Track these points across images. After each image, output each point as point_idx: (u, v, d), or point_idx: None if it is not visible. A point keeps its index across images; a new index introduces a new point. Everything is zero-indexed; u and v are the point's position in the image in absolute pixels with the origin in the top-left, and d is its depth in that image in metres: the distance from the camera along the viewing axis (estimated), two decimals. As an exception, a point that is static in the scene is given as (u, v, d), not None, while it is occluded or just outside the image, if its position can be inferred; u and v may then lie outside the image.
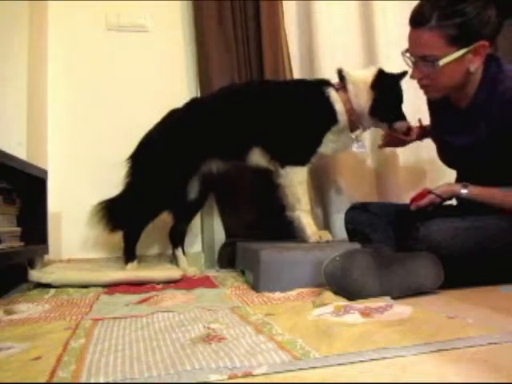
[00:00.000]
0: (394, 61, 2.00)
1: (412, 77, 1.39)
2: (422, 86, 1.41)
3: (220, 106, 1.72)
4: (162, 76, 2.03)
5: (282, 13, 2.05)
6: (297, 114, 1.65)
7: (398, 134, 1.72)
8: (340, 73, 1.70)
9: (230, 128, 1.68)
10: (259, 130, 1.68)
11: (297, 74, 2.08)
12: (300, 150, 1.67)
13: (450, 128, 1.48)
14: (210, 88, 1.94)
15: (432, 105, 1.59)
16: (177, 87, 2.02)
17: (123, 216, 1.74)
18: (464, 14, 1.25)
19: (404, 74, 1.62)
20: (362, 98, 1.65)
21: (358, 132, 1.73)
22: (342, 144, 1.72)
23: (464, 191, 1.38)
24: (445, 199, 1.44)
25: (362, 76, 1.68)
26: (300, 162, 1.66)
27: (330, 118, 1.66)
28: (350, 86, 1.66)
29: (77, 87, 1.96)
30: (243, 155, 1.71)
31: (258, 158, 1.71)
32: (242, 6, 2.00)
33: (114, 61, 2.01)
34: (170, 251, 1.94)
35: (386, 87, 1.65)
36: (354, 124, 1.70)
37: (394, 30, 2.06)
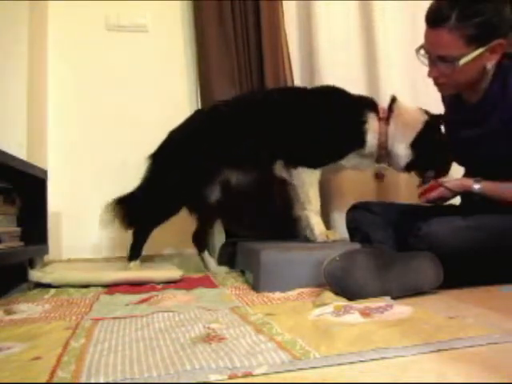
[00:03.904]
0: (394, 60, 2.01)
1: (429, 76, 1.37)
2: (438, 84, 1.39)
3: (243, 115, 1.66)
4: (162, 76, 2.03)
5: (282, 13, 2.05)
6: (327, 127, 1.60)
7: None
8: (392, 102, 1.62)
9: (252, 139, 1.63)
10: (285, 142, 1.62)
11: (297, 73, 2.07)
12: (319, 156, 1.64)
13: (462, 122, 1.47)
14: (209, 88, 1.93)
15: (445, 101, 1.60)
16: (177, 87, 2.02)
17: (139, 212, 1.70)
18: (483, 14, 1.23)
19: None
20: (400, 147, 1.57)
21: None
22: (364, 165, 1.71)
23: (477, 186, 1.34)
24: (456, 193, 1.41)
25: (410, 119, 1.58)
26: (314, 165, 1.63)
27: (358, 143, 1.62)
28: (392, 123, 1.59)
29: (77, 87, 1.97)
30: (267, 167, 1.65)
31: (280, 169, 1.66)
32: (242, 6, 2.00)
33: (114, 61, 2.01)
34: (169, 251, 1.94)
35: (430, 143, 1.55)
36: (383, 158, 1.65)
37: (393, 30, 2.05)
